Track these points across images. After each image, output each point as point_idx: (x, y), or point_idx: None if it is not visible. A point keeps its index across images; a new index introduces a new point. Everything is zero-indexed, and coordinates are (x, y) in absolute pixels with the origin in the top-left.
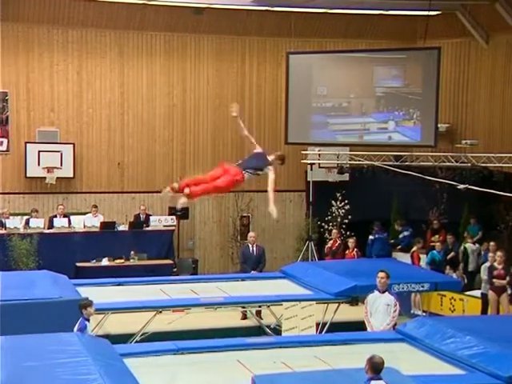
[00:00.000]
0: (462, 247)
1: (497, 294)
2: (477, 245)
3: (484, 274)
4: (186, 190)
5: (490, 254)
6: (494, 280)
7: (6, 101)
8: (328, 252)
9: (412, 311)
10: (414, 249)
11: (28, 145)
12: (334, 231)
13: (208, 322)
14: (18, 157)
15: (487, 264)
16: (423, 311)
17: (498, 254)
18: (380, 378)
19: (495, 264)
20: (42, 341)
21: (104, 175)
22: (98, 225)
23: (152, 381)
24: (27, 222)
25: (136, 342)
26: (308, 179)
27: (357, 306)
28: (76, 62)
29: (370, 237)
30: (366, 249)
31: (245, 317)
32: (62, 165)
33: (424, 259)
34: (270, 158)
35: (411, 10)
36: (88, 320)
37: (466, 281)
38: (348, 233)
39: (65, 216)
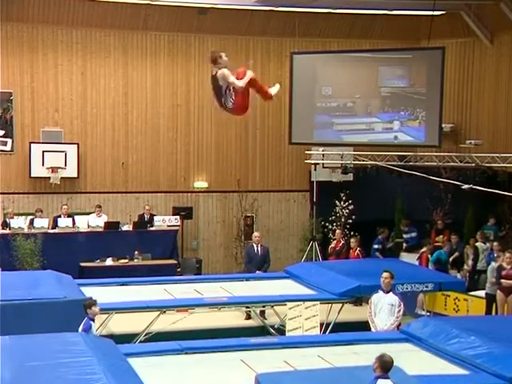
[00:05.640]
0: (467, 246)
1: (505, 294)
2: (487, 244)
3: (492, 276)
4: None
5: (501, 254)
6: (502, 280)
7: (10, 101)
8: (332, 252)
9: (416, 311)
10: (424, 249)
11: (32, 145)
12: (338, 231)
13: (212, 322)
14: (23, 157)
15: (494, 264)
16: (427, 311)
17: (507, 255)
18: (387, 378)
19: (504, 264)
20: (47, 341)
21: (108, 175)
22: (102, 225)
23: (156, 380)
24: (31, 222)
25: (140, 341)
26: (312, 179)
27: (361, 306)
28: (80, 62)
29: (375, 246)
30: (370, 249)
31: (249, 317)
32: (66, 165)
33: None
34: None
35: (415, 10)
36: (93, 320)
37: (468, 281)
38: (352, 233)
39: (69, 216)
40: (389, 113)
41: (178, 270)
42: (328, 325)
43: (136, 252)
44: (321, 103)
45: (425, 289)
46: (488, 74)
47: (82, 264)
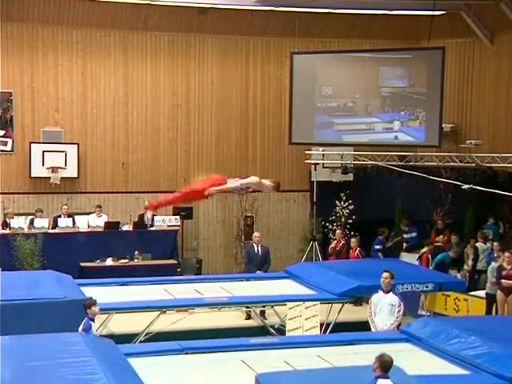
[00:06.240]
0: (467, 246)
1: (505, 294)
2: (488, 244)
3: (492, 276)
4: (146, 203)
5: (501, 254)
6: (503, 280)
7: (10, 101)
8: (332, 252)
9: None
10: (425, 250)
11: (32, 145)
12: (338, 231)
13: (212, 322)
14: (23, 157)
15: (494, 264)
16: (427, 311)
17: (507, 254)
18: (387, 377)
19: (504, 264)
20: (47, 341)
21: (108, 175)
22: (103, 225)
23: (156, 381)
24: (31, 222)
25: (140, 341)
26: (312, 179)
27: (361, 306)
28: (80, 62)
29: (377, 246)
30: (370, 249)
31: (249, 317)
32: (66, 165)
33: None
34: (267, 182)
35: (416, 10)
36: (93, 320)
37: (468, 281)
38: (352, 233)
39: (69, 216)
40: (389, 113)
41: (178, 269)
42: (328, 325)
43: (136, 252)
44: (321, 103)
45: (425, 289)
46: (488, 74)
47: (82, 264)
